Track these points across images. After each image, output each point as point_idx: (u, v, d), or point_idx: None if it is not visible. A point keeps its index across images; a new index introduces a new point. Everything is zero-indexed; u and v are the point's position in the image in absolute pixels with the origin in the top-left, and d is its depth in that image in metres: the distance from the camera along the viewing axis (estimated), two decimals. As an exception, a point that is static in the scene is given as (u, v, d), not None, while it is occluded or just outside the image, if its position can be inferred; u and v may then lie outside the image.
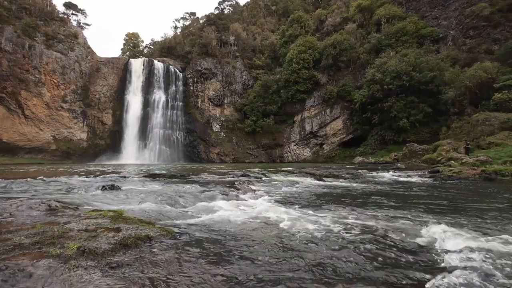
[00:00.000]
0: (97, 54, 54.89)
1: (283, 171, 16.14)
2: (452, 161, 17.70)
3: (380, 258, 2.75)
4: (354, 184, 10.67)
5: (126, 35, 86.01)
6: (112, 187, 7.59)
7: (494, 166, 14.20)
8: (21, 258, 2.23)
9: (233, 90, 56.78)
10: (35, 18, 47.55)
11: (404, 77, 36.15)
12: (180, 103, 55.32)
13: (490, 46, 35.13)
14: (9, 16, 44.92)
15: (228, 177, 11.86)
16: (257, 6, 75.52)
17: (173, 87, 55.65)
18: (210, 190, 7.40)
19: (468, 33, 37.66)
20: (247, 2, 79.92)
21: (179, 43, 64.51)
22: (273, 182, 10.39)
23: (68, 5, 57.97)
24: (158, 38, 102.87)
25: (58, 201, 4.74)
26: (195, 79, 56.45)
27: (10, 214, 3.75)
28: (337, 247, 3.03)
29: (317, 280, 2.24)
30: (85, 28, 61.46)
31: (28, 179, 9.75)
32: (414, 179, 12.68)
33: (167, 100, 54.24)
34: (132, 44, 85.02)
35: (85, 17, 62.01)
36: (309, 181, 11.50)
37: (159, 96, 53.97)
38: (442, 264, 2.61)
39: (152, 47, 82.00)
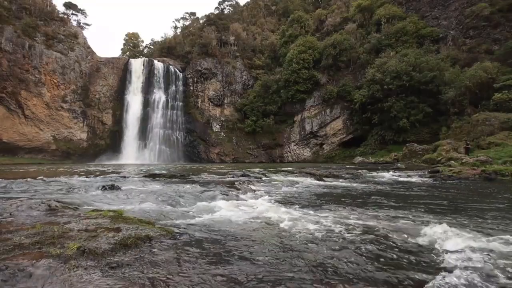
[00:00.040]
0: (97, 54, 54.90)
1: (283, 171, 16.14)
2: (452, 161, 17.69)
3: (381, 259, 2.74)
4: (354, 184, 10.67)
5: (126, 35, 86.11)
6: (112, 187, 7.59)
7: (494, 166, 14.20)
8: (21, 258, 2.23)
9: (233, 90, 56.78)
10: (35, 18, 47.55)
11: (404, 77, 36.14)
12: (180, 103, 55.32)
13: (490, 46, 35.13)
14: (9, 16, 44.92)
15: (228, 177, 11.86)
16: (257, 6, 75.52)
17: (173, 87, 55.65)
18: (210, 190, 7.39)
19: (468, 33, 37.66)
20: (247, 2, 79.93)
21: (179, 43, 64.51)
22: (273, 182, 10.39)
23: (68, 5, 57.98)
24: (158, 38, 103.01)
25: (58, 201, 4.74)
26: (195, 79, 56.45)
27: (10, 214, 3.75)
28: (337, 247, 3.03)
29: (317, 280, 2.24)
30: (85, 28, 61.56)
31: (28, 179, 9.75)
32: (414, 179, 12.68)
33: (167, 100, 54.23)
34: (132, 44, 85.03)
35: (85, 17, 62.09)
36: (309, 181, 11.49)
37: (159, 96, 53.97)
38: (443, 265, 2.60)
39: (152, 47, 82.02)
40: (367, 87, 40.22)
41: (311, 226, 3.93)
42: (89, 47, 53.60)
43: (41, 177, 10.55)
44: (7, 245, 2.50)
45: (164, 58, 59.88)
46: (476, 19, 36.47)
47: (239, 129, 53.50)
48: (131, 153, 50.23)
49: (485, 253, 2.75)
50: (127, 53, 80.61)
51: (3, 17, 43.57)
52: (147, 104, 53.16)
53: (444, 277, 2.28)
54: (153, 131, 51.88)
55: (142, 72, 54.71)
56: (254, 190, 8.20)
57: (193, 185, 8.59)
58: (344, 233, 3.61)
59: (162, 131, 52.29)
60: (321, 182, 11.27)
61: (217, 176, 12.34)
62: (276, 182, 10.40)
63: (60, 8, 56.44)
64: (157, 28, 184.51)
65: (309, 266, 2.50)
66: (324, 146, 48.15)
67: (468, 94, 30.64)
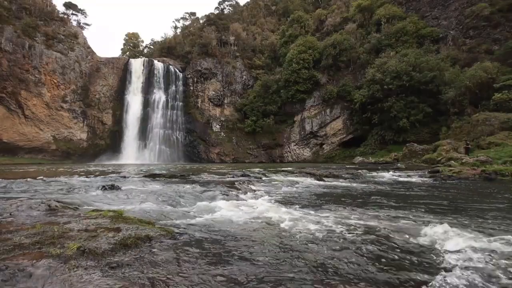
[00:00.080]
0: (97, 54, 54.90)
1: (283, 171, 16.13)
2: (452, 161, 17.69)
3: (381, 259, 2.74)
4: (354, 184, 10.66)
5: (126, 35, 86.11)
6: (112, 187, 7.58)
7: (494, 166, 14.20)
8: (21, 258, 2.23)
9: (233, 90, 56.78)
10: (35, 18, 47.55)
11: (404, 77, 36.15)
12: (180, 103, 55.32)
13: (490, 46, 35.13)
14: (9, 16, 44.92)
15: (228, 177, 11.86)
16: (257, 6, 75.52)
17: (173, 87, 55.65)
18: (210, 190, 7.39)
19: (468, 33, 37.66)
20: (247, 2, 79.94)
21: (179, 43, 64.52)
22: (273, 182, 10.39)
23: (68, 5, 57.98)
24: (158, 38, 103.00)
25: (58, 201, 4.74)
26: (195, 79, 56.45)
27: (10, 214, 3.75)
28: (338, 247, 3.03)
29: (318, 281, 2.24)
30: (85, 28, 61.56)
31: (28, 179, 9.75)
32: (414, 179, 12.68)
33: (167, 100, 54.23)
34: (132, 44, 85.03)
35: (85, 17, 62.11)
36: (309, 181, 11.49)
37: (159, 96, 53.97)
38: (444, 265, 2.59)
39: (152, 47, 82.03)
40: (367, 87, 40.22)
41: (312, 226, 3.92)
42: (89, 47, 53.61)
43: (41, 177, 10.55)
44: (7, 245, 2.50)
45: (164, 58, 59.89)
46: (476, 19, 36.47)
47: (239, 129, 53.50)
48: (131, 153, 50.24)
49: (487, 253, 2.74)
50: (127, 53, 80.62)
51: (3, 17, 43.57)
52: (147, 104, 53.16)
53: (445, 277, 2.27)
54: (153, 131, 51.89)
55: (142, 72, 54.71)
56: (254, 190, 8.20)
57: (193, 185, 8.59)
58: (344, 233, 3.61)
59: (162, 131, 52.29)
60: (321, 182, 11.27)
61: (217, 176, 12.34)
62: (276, 182, 10.40)
63: (60, 8, 56.56)
64: (157, 28, 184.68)
65: (310, 267, 2.49)
66: (324, 146, 48.15)
67: (468, 94, 30.64)
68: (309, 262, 2.60)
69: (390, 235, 3.52)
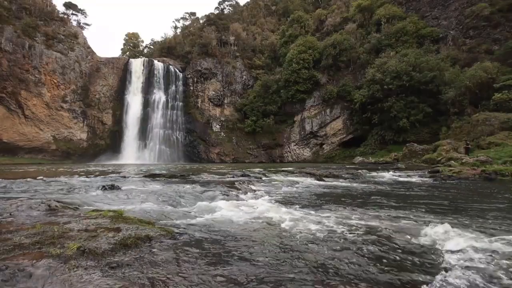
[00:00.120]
0: (97, 54, 54.91)
1: (283, 171, 16.13)
2: (452, 161, 17.69)
3: (382, 259, 2.74)
4: (354, 184, 10.66)
5: (126, 35, 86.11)
6: (112, 187, 7.58)
7: (494, 166, 14.20)
8: (21, 258, 2.23)
9: (233, 90, 56.79)
10: (35, 18, 47.55)
11: (404, 77, 36.15)
12: (180, 103, 55.32)
13: (490, 46, 35.13)
14: (9, 16, 44.92)
15: (228, 177, 11.86)
16: (257, 6, 75.52)
17: (173, 87, 55.65)
18: (211, 190, 7.39)
19: (468, 33, 37.66)
20: (247, 2, 79.94)
21: (179, 43, 64.52)
22: (273, 182, 10.38)
23: (68, 5, 57.98)
24: (158, 38, 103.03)
25: (58, 201, 4.74)
26: (195, 79, 56.45)
27: (10, 214, 3.74)
28: (338, 247, 3.02)
29: (318, 281, 2.23)
30: (85, 28, 61.58)
31: (28, 179, 9.74)
32: (414, 179, 12.68)
33: (167, 100, 54.23)
34: (132, 44, 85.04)
35: (85, 17, 62.12)
36: (309, 181, 11.49)
37: (159, 96, 53.97)
38: (446, 265, 2.59)
39: (152, 47, 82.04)
40: (367, 87, 40.22)
41: (312, 226, 3.92)
42: (89, 47, 53.61)
43: (41, 177, 10.55)
44: (7, 245, 2.50)
45: (164, 58, 59.89)
46: (476, 19, 36.47)
47: (239, 129, 53.50)
48: (131, 153, 50.24)
49: (488, 253, 2.74)
50: (127, 53, 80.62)
51: (3, 17, 43.58)
52: (147, 104, 53.17)
53: (446, 277, 2.27)
54: (153, 131, 51.89)
55: (142, 72, 54.71)
56: (254, 190, 8.20)
57: (193, 185, 8.58)
58: (345, 233, 3.60)
59: (162, 131, 52.29)
60: (321, 182, 11.27)
61: (217, 176, 12.33)
62: (276, 182, 10.39)
63: (60, 8, 56.57)
64: (157, 28, 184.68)
65: (310, 267, 2.49)
66: (324, 146, 48.16)
67: (468, 94, 30.64)
68: (309, 262, 2.60)
69: (391, 235, 3.52)
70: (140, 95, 53.79)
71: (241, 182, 9.21)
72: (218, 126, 54.48)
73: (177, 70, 57.15)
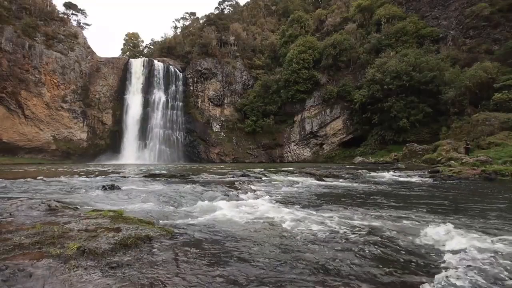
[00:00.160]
0: (97, 54, 54.90)
1: (283, 171, 16.13)
2: (452, 161, 17.68)
3: (384, 260, 2.73)
4: (355, 184, 10.66)
5: (126, 35, 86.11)
6: (112, 187, 7.58)
7: (494, 166, 14.19)
8: (21, 258, 2.22)
9: (233, 90, 56.78)
10: (35, 18, 47.55)
11: (404, 77, 36.14)
12: (180, 103, 55.32)
13: (490, 46, 35.12)
14: (9, 16, 44.91)
15: (228, 177, 11.85)
16: (257, 6, 75.51)
17: (173, 87, 55.64)
18: (211, 190, 7.39)
19: (468, 33, 37.66)
20: (247, 2, 79.93)
21: (179, 43, 64.51)
22: (273, 182, 10.38)
23: (68, 5, 57.97)
24: (158, 38, 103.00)
25: (58, 201, 4.74)
26: (195, 79, 56.45)
27: (10, 214, 3.74)
28: (339, 248, 3.02)
29: (319, 282, 2.23)
30: (85, 28, 61.55)
31: (28, 179, 9.74)
32: (414, 179, 12.67)
33: (167, 100, 54.23)
34: (132, 44, 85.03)
35: (85, 17, 62.09)
36: (309, 181, 11.49)
37: (159, 96, 53.96)
38: (448, 265, 2.58)
39: (152, 47, 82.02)
40: (367, 87, 40.21)
41: (313, 227, 3.91)
42: (89, 47, 53.60)
43: (41, 177, 10.55)
44: (7, 245, 2.50)
45: (164, 58, 59.88)
46: (476, 19, 36.46)
47: (239, 129, 53.49)
48: (131, 153, 50.22)
49: (490, 254, 2.73)
50: (127, 53, 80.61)
51: (3, 17, 43.57)
52: (147, 104, 53.16)
53: (448, 277, 2.26)
54: (153, 131, 51.88)
55: (142, 72, 54.70)
56: (254, 190, 8.19)
57: (193, 185, 8.58)
58: (346, 233, 3.60)
59: (162, 131, 52.29)
60: (321, 182, 11.26)
61: (217, 176, 12.33)
62: (276, 182, 10.39)
63: (60, 8, 56.55)
64: (157, 28, 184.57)
65: (311, 268, 2.48)
66: (324, 146, 48.15)
67: (468, 94, 30.64)
68: (310, 262, 2.59)
69: (393, 236, 3.51)
70: (140, 95, 53.78)
71: (241, 182, 9.21)
72: (218, 126, 54.48)
73: (177, 70, 57.14)
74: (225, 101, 56.06)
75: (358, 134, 44.33)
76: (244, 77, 57.86)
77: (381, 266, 2.56)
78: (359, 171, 16.45)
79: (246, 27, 65.26)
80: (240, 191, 7.76)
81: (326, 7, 62.91)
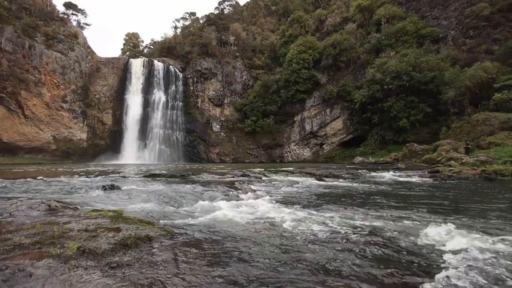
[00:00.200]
0: (97, 54, 54.90)
1: (283, 171, 16.13)
2: (452, 161, 17.68)
3: (385, 260, 2.73)
4: (355, 184, 10.65)
5: (126, 35, 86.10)
6: (112, 187, 7.58)
7: (494, 166, 14.18)
8: (21, 258, 2.22)
9: (233, 90, 56.78)
10: (35, 18, 47.54)
11: (404, 77, 36.15)
12: (180, 103, 55.32)
13: (490, 46, 35.12)
14: (9, 16, 44.91)
15: (228, 177, 11.85)
16: (257, 6, 75.51)
17: (173, 87, 55.64)
18: (211, 190, 7.38)
19: (468, 33, 37.66)
20: (247, 2, 79.93)
21: (179, 43, 64.50)
22: (273, 182, 10.38)
23: (68, 5, 57.97)
24: (158, 38, 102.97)
25: (58, 201, 4.73)
26: (195, 79, 56.45)
27: (10, 214, 3.74)
28: (340, 248, 3.01)
29: (319, 282, 2.22)
30: (85, 28, 61.55)
31: (28, 179, 9.74)
32: (414, 179, 12.67)
33: (167, 100, 54.23)
34: (132, 44, 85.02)
35: (85, 17, 62.08)
36: (309, 181, 11.48)
37: (159, 96, 53.96)
38: (448, 265, 2.58)
39: (152, 47, 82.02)
40: (367, 87, 40.22)
41: (313, 227, 3.91)
42: (89, 47, 53.60)
43: (41, 177, 10.55)
44: (7, 245, 2.49)
45: (164, 58, 59.87)
46: (476, 19, 36.46)
47: (239, 129, 53.50)
48: (131, 153, 50.23)
49: (491, 254, 2.73)
50: (127, 53, 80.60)
51: (3, 17, 43.57)
52: (147, 104, 53.16)
53: (449, 277, 2.25)
54: (153, 131, 51.88)
55: (142, 72, 54.70)
56: (254, 190, 8.19)
57: (194, 185, 8.58)
58: (346, 234, 3.60)
59: (162, 131, 52.29)
60: (322, 182, 11.26)
61: (217, 176, 12.33)
62: (276, 182, 10.39)
63: (60, 8, 56.55)
64: (157, 28, 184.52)
65: (311, 268, 2.48)
66: (324, 146, 48.15)
67: (468, 94, 30.64)
68: (310, 263, 2.59)
69: (394, 236, 3.51)
70: (140, 95, 53.78)
71: (241, 182, 9.21)
72: (218, 126, 54.48)
73: (177, 70, 57.14)
74: (225, 101, 56.06)
75: (358, 134, 44.32)
76: (244, 77, 57.86)
77: (382, 266, 2.56)
78: (359, 171, 16.45)
79: (246, 27, 65.26)
80: (240, 191, 7.75)
81: (326, 7, 62.91)
